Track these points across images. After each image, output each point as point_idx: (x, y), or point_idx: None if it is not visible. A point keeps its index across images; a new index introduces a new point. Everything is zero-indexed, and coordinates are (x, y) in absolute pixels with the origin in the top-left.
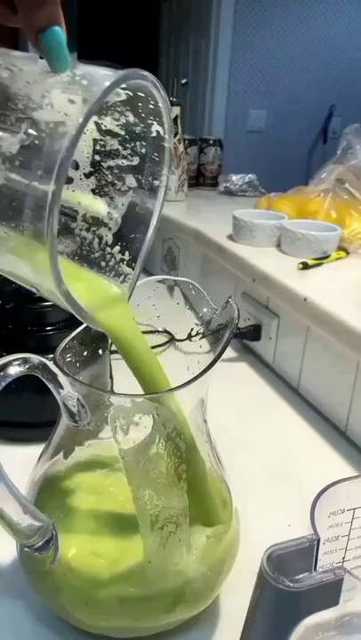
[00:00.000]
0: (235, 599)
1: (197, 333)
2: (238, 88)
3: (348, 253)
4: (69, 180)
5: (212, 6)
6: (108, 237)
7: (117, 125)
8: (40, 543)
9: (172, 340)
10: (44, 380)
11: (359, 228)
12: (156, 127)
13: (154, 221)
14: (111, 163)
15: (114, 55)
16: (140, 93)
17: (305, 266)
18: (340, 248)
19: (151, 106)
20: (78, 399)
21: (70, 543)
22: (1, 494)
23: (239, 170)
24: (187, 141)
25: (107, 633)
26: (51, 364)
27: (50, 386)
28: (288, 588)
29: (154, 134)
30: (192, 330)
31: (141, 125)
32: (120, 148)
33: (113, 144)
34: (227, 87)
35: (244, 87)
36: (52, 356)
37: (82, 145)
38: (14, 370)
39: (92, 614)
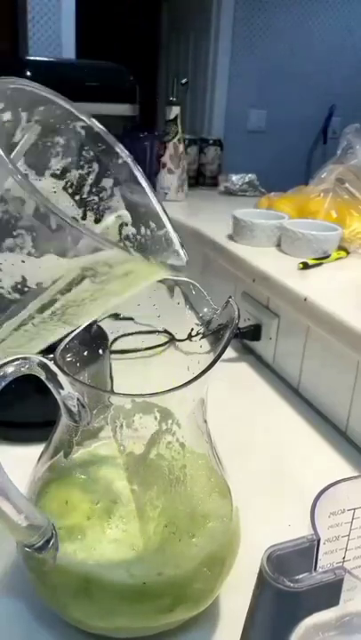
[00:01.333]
0: (235, 599)
1: (198, 333)
2: (238, 88)
3: (348, 253)
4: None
5: (213, 6)
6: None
7: (57, 160)
8: (40, 543)
9: (172, 340)
10: (43, 380)
11: (359, 227)
12: (75, 124)
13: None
14: (85, 189)
15: (114, 55)
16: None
17: (305, 266)
18: (341, 248)
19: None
20: (78, 399)
21: (70, 543)
22: (1, 494)
23: (239, 170)
24: (187, 141)
25: (107, 633)
26: (51, 364)
27: (50, 386)
28: (288, 588)
29: (79, 130)
30: (192, 330)
31: (63, 126)
32: (76, 169)
33: (70, 175)
34: (227, 87)
35: (244, 87)
36: (52, 356)
37: (62, 202)
38: (14, 370)
39: (92, 614)
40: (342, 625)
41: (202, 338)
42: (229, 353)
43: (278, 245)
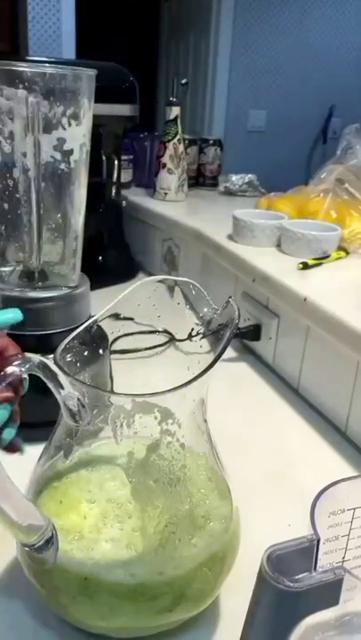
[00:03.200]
0: (235, 599)
1: (198, 333)
2: (238, 88)
3: (348, 253)
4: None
5: (212, 6)
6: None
7: None
8: (40, 543)
9: (172, 339)
10: (44, 379)
11: (359, 227)
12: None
13: None
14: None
15: (114, 55)
16: None
17: (305, 266)
18: (340, 248)
19: None
20: (78, 399)
21: (70, 542)
22: (1, 494)
23: (239, 170)
24: (187, 141)
25: (107, 633)
26: (51, 364)
27: (50, 386)
28: (288, 588)
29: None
30: (192, 330)
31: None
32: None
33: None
34: (227, 87)
35: (244, 87)
36: (52, 356)
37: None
38: (14, 370)
39: (92, 614)
40: (342, 625)
41: (202, 338)
42: (229, 353)
43: (278, 245)
